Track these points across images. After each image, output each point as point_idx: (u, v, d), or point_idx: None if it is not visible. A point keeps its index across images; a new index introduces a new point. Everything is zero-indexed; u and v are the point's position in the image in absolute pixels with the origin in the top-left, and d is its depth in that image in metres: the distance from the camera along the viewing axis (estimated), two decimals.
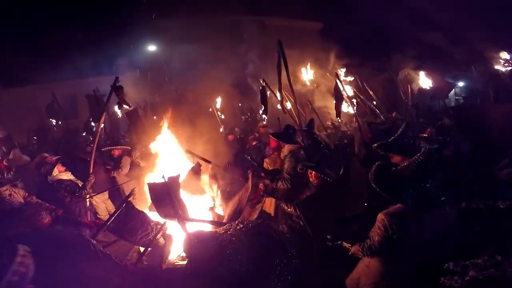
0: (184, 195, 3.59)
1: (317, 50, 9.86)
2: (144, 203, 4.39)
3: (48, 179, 4.34)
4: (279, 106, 7.23)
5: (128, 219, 3.35)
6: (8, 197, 3.94)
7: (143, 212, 3.56)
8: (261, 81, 6.27)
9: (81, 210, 4.40)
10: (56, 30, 13.23)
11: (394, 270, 2.32)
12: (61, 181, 4.32)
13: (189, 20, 11.92)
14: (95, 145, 4.66)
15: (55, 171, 4.37)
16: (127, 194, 3.67)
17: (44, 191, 4.36)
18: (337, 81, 6.21)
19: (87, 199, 4.42)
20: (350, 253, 2.49)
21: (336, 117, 6.23)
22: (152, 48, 15.19)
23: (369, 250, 2.34)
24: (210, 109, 9.35)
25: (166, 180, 3.29)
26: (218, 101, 10.01)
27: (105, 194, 5.29)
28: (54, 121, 11.52)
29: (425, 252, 2.24)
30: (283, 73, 4.91)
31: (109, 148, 5.47)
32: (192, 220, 3.26)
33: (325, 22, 13.02)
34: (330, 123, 7.76)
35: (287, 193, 3.67)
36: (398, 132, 3.60)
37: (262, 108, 6.65)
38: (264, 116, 7.31)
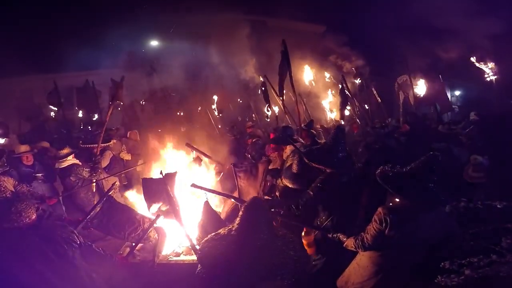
0: (179, 191, 3.55)
1: (319, 53, 9.92)
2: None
3: (56, 164, 4.55)
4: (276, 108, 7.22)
5: (112, 214, 3.30)
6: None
7: (126, 206, 3.52)
8: (261, 77, 6.30)
9: (89, 193, 4.55)
10: (53, 22, 13.08)
11: (384, 271, 2.30)
12: (76, 165, 4.50)
13: (190, 17, 11.91)
14: (102, 133, 4.90)
15: (69, 157, 4.55)
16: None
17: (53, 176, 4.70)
18: (343, 84, 6.29)
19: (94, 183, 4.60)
20: (344, 245, 2.50)
21: (340, 119, 6.29)
22: (152, 44, 15.12)
23: (361, 243, 2.33)
24: (200, 108, 9.39)
25: (163, 176, 3.24)
26: (216, 100, 10.01)
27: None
28: (54, 108, 11.41)
29: (420, 253, 2.21)
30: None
31: (88, 145, 5.42)
32: (203, 189, 3.24)
33: (327, 25, 13.12)
34: (319, 126, 7.81)
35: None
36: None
37: (266, 104, 6.70)
38: (267, 112, 7.34)
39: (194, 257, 2.86)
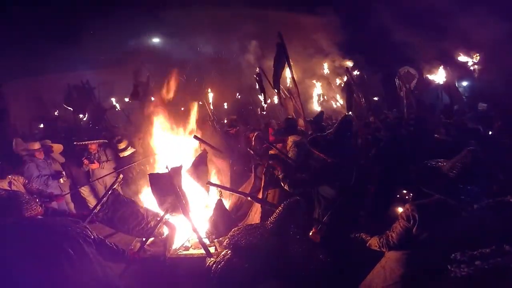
0: (187, 185, 3.57)
1: (319, 45, 9.80)
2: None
3: (120, 154, 5.49)
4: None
5: (116, 208, 3.32)
6: (8, 185, 3.96)
7: (130, 199, 3.53)
8: (257, 69, 6.26)
9: None
10: (56, 21, 13.06)
11: (412, 273, 2.08)
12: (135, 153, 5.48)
13: (190, 11, 11.81)
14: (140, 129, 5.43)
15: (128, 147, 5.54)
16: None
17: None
18: (348, 76, 6.24)
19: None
20: (367, 244, 2.36)
21: (348, 111, 6.23)
22: (154, 40, 15.05)
23: (386, 241, 2.16)
24: (200, 103, 9.34)
25: (169, 170, 3.26)
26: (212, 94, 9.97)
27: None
28: (71, 109, 11.65)
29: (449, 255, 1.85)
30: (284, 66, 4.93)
31: (85, 142, 5.45)
32: (219, 186, 3.29)
33: (329, 18, 12.94)
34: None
35: None
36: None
37: (262, 95, 6.67)
38: (264, 104, 7.31)
39: (203, 251, 2.89)
